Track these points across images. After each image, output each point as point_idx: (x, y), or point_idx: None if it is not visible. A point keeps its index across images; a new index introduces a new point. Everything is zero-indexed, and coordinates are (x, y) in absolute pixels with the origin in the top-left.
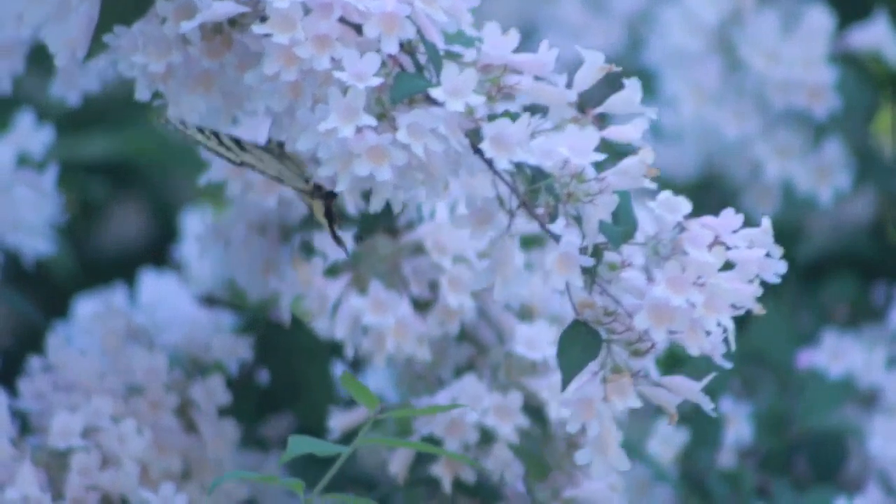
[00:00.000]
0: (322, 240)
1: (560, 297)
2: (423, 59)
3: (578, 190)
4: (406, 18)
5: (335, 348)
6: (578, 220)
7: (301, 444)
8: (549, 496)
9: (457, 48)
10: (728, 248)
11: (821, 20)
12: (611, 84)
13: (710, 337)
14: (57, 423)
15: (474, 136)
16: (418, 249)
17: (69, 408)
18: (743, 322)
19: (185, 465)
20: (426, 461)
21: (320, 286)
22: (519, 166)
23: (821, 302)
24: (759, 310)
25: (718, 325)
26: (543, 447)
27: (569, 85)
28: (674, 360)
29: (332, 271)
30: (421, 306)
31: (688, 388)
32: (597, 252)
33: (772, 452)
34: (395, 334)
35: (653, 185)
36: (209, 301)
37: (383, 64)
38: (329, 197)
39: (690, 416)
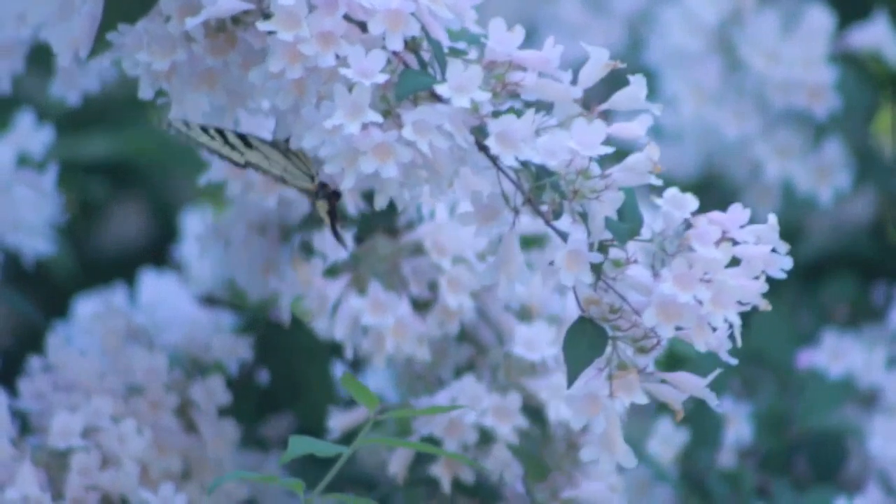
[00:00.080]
0: (322, 240)
1: (560, 297)
2: (426, 56)
3: (584, 186)
4: (411, 15)
5: (335, 348)
6: (584, 217)
7: (301, 445)
8: (548, 496)
9: (461, 45)
10: (735, 244)
11: (821, 20)
12: (611, 83)
13: (717, 333)
14: (57, 423)
15: (479, 133)
16: (418, 250)
17: (69, 408)
18: (743, 322)
19: (185, 465)
20: (426, 461)
21: (320, 286)
22: (524, 163)
23: (821, 302)
24: (765, 306)
25: (725, 321)
26: (542, 448)
27: (574, 82)
28: (673, 360)
29: (332, 271)
30: (420, 306)
31: (693, 384)
32: (602, 249)
33: (772, 452)
34: (394, 334)
35: (659, 182)
36: (209, 301)
37: (388, 61)
38: (334, 196)
39: (691, 415)
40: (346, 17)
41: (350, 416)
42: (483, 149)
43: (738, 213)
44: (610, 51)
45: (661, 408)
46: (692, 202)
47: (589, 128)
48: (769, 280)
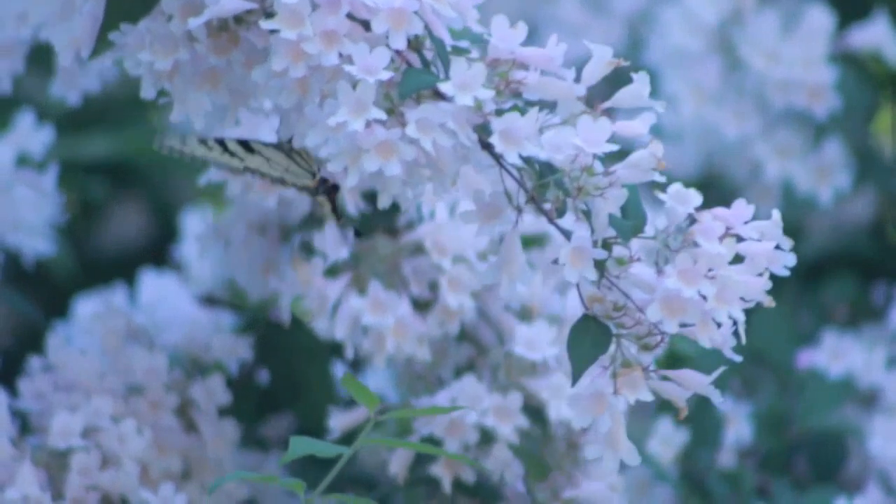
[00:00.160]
0: (322, 239)
1: (560, 296)
2: (429, 55)
3: (588, 184)
4: (414, 14)
5: (335, 348)
6: (587, 214)
7: (302, 445)
8: (548, 496)
9: (464, 44)
10: (740, 240)
11: (821, 20)
12: (613, 81)
13: (721, 329)
14: (57, 423)
15: (482, 131)
16: (418, 249)
17: (69, 408)
18: (745, 320)
19: (185, 465)
20: (426, 461)
21: (320, 286)
22: (527, 161)
23: (821, 302)
24: (768, 302)
25: (729, 317)
26: (543, 447)
27: (577, 79)
28: (675, 359)
29: (332, 271)
30: (421, 306)
31: (697, 382)
32: (606, 246)
33: (772, 452)
34: (394, 334)
35: (662, 178)
36: (209, 301)
37: (391, 59)
38: (333, 190)
39: (691, 415)
40: (350, 16)
41: (350, 416)
42: (486, 147)
43: (741, 208)
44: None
45: (661, 407)
46: (696, 197)
47: (594, 125)
48: (770, 279)
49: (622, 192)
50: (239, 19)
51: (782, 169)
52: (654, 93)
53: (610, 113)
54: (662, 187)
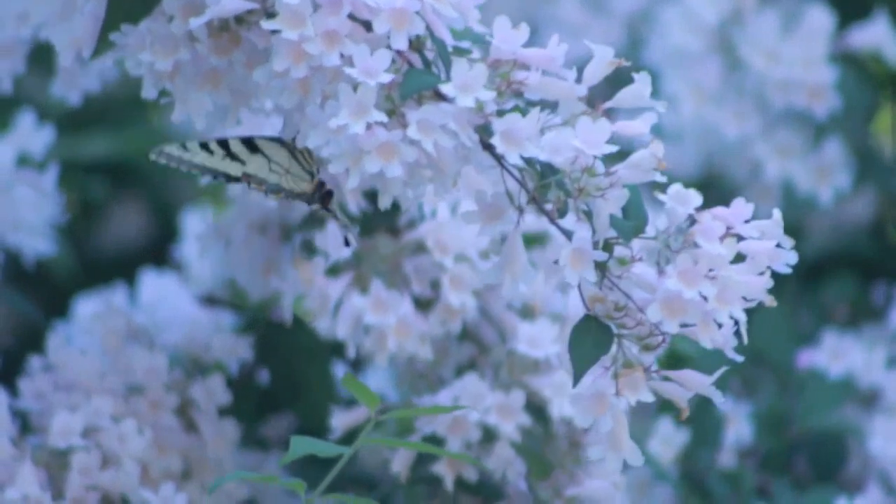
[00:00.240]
0: (323, 239)
1: (562, 295)
2: (430, 55)
3: (589, 184)
4: (416, 14)
5: (335, 348)
6: (588, 215)
7: (302, 445)
8: (551, 495)
9: (465, 44)
10: (740, 239)
11: (821, 20)
12: (614, 81)
13: (722, 329)
14: (57, 423)
15: (483, 132)
16: (420, 248)
17: (69, 407)
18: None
19: (186, 465)
20: (428, 460)
21: (322, 285)
22: (529, 162)
23: (821, 302)
24: (770, 301)
25: (730, 317)
26: (545, 446)
27: (578, 80)
28: (676, 359)
29: (334, 270)
30: (422, 305)
31: (699, 382)
32: (607, 247)
33: (772, 452)
34: (396, 333)
35: (663, 179)
36: (209, 301)
37: (392, 60)
38: (327, 197)
39: (691, 415)
40: (351, 16)
41: (352, 415)
42: (488, 147)
43: (741, 207)
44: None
45: (661, 408)
46: (696, 198)
47: (594, 126)
48: (771, 279)
49: (623, 192)
50: (240, 19)
51: (782, 169)
52: (655, 93)
53: (611, 113)
54: (663, 188)
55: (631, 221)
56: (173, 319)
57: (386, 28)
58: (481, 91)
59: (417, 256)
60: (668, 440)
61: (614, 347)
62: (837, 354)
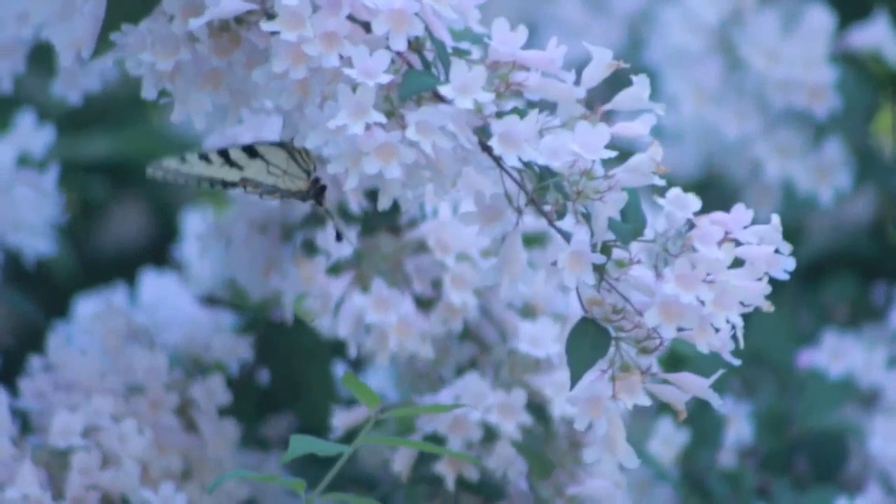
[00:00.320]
0: (325, 237)
1: (563, 295)
2: (430, 56)
3: (588, 187)
4: (414, 15)
5: (336, 348)
6: (587, 217)
7: (302, 444)
8: (552, 494)
9: (464, 45)
10: (738, 245)
11: (821, 20)
12: (613, 83)
13: (719, 334)
14: (57, 423)
15: (482, 134)
16: (421, 247)
17: (69, 407)
18: (744, 322)
19: (186, 465)
20: (429, 459)
21: (323, 284)
22: (527, 163)
23: (821, 302)
24: (767, 307)
25: (727, 322)
26: (546, 445)
27: (577, 82)
28: (675, 360)
29: (335, 269)
30: (424, 304)
31: (696, 385)
32: (605, 250)
33: (772, 452)
34: (397, 332)
35: (662, 182)
36: (210, 301)
37: (392, 62)
38: (320, 192)
39: (691, 416)
40: (350, 18)
41: (352, 414)
42: (486, 149)
43: (740, 213)
44: (610, 51)
45: (662, 408)
46: (695, 202)
47: (592, 130)
48: (770, 280)
49: (622, 195)
50: (240, 20)
51: (782, 169)
52: (655, 93)
53: (610, 115)
54: (662, 191)
55: (629, 224)
56: (173, 319)
57: (385, 29)
58: (480, 93)
59: (419, 255)
60: (669, 440)
61: (612, 350)
62: (837, 354)
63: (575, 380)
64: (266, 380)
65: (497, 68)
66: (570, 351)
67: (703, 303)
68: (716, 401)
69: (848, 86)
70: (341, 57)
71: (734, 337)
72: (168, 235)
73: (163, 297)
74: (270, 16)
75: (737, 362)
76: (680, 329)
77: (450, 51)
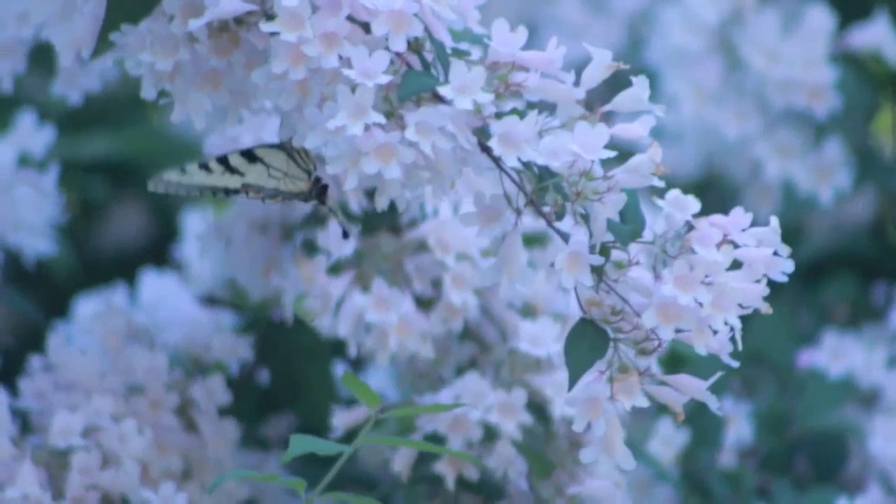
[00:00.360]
0: (325, 237)
1: (564, 294)
2: (429, 57)
3: (587, 188)
4: (414, 16)
5: (336, 348)
6: (586, 218)
7: (302, 443)
8: (552, 493)
9: (464, 46)
10: (737, 247)
11: (821, 20)
12: (613, 83)
13: (717, 336)
14: (57, 423)
15: (481, 134)
16: (421, 247)
17: (69, 407)
18: (743, 322)
19: (186, 465)
20: (429, 459)
21: (324, 283)
22: (527, 164)
23: (821, 302)
24: (766, 309)
25: (725, 323)
26: (547, 445)
27: (576, 83)
28: (676, 360)
29: (335, 269)
30: (424, 304)
31: (694, 387)
32: (604, 251)
33: (772, 452)
34: (397, 332)
35: (661, 183)
36: (210, 301)
37: (391, 62)
38: (323, 192)
39: (691, 416)
40: (350, 18)
41: (353, 414)
42: (486, 150)
43: (739, 216)
44: (610, 51)
45: (662, 408)
46: (694, 204)
47: (592, 131)
48: (769, 280)
49: (621, 196)
50: (239, 20)
51: (782, 169)
52: (655, 92)
53: (609, 116)
54: (661, 192)
55: (628, 225)
56: (173, 319)
57: (384, 30)
58: (479, 93)
59: (419, 255)
60: (669, 440)
61: (610, 351)
62: (837, 354)
63: (573, 381)
64: (266, 380)
65: (496, 69)
66: (568, 352)
67: (701, 304)
68: (713, 403)
69: (848, 86)
70: (341, 57)
71: (732, 339)
72: (168, 235)
73: (163, 297)
74: (270, 16)
75: (735, 364)
76: (678, 330)
77: (449, 52)
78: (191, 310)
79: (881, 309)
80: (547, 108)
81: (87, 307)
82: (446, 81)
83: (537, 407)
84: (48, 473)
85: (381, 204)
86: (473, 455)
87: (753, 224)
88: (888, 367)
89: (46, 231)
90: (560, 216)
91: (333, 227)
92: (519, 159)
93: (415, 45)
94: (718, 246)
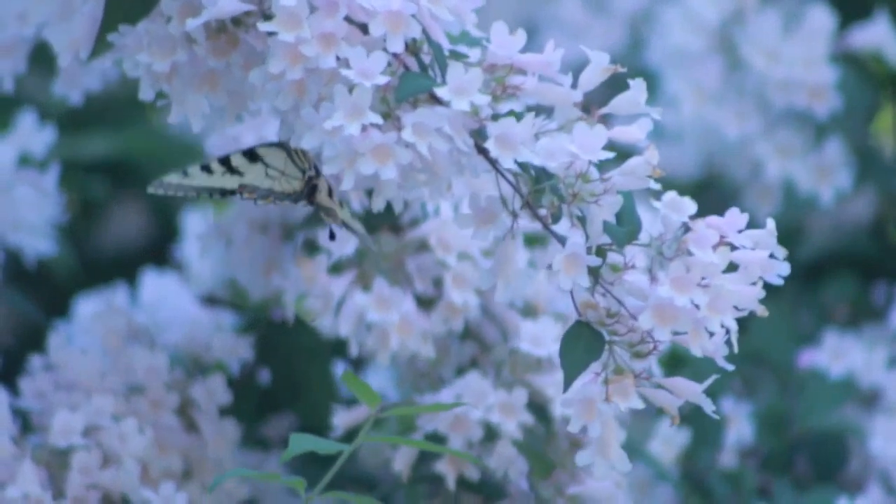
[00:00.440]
0: (326, 236)
1: (564, 295)
2: (427, 58)
3: (583, 190)
4: (412, 17)
5: (336, 348)
6: (582, 220)
7: (302, 442)
8: (552, 493)
9: (461, 48)
10: (733, 249)
11: (822, 20)
12: (611, 85)
13: (713, 338)
14: (58, 422)
15: (478, 136)
16: (422, 246)
17: (70, 406)
18: (743, 322)
19: (186, 465)
20: (430, 458)
21: (325, 283)
22: (523, 166)
23: (821, 302)
24: (762, 311)
25: (721, 326)
26: (547, 444)
27: (574, 85)
28: (676, 361)
29: (337, 268)
30: (425, 303)
31: (689, 390)
32: (600, 253)
33: (773, 452)
34: (398, 331)
35: (657, 186)
36: (210, 300)
37: (388, 63)
38: (312, 192)
39: (691, 416)
40: (347, 19)
41: (353, 413)
42: (482, 151)
43: (736, 217)
44: (610, 51)
45: (661, 409)
46: (690, 206)
47: (590, 132)
48: (768, 281)
49: (617, 198)
50: (237, 21)
51: (783, 169)
52: (655, 93)
53: (607, 119)
54: (657, 194)
55: (624, 228)
56: (174, 319)
57: (382, 31)
58: (476, 95)
59: (420, 254)
60: (669, 440)
61: (605, 354)
62: (838, 354)
63: (569, 382)
64: (266, 380)
65: (494, 71)
66: (563, 354)
67: (697, 306)
68: (708, 406)
69: (848, 86)
70: (338, 58)
71: (728, 341)
72: (168, 235)
73: (163, 297)
74: (268, 17)
75: (730, 367)
76: (674, 333)
77: (446, 53)
78: (191, 310)
79: (881, 309)
80: (544, 110)
81: (87, 307)
82: (443, 83)
83: (538, 407)
84: (49, 473)
85: (378, 205)
86: (474, 455)
87: (754, 224)
88: (888, 367)
89: (47, 231)
90: (556, 219)
91: (339, 224)
92: (515, 161)
93: (412, 47)
94: (715, 248)
